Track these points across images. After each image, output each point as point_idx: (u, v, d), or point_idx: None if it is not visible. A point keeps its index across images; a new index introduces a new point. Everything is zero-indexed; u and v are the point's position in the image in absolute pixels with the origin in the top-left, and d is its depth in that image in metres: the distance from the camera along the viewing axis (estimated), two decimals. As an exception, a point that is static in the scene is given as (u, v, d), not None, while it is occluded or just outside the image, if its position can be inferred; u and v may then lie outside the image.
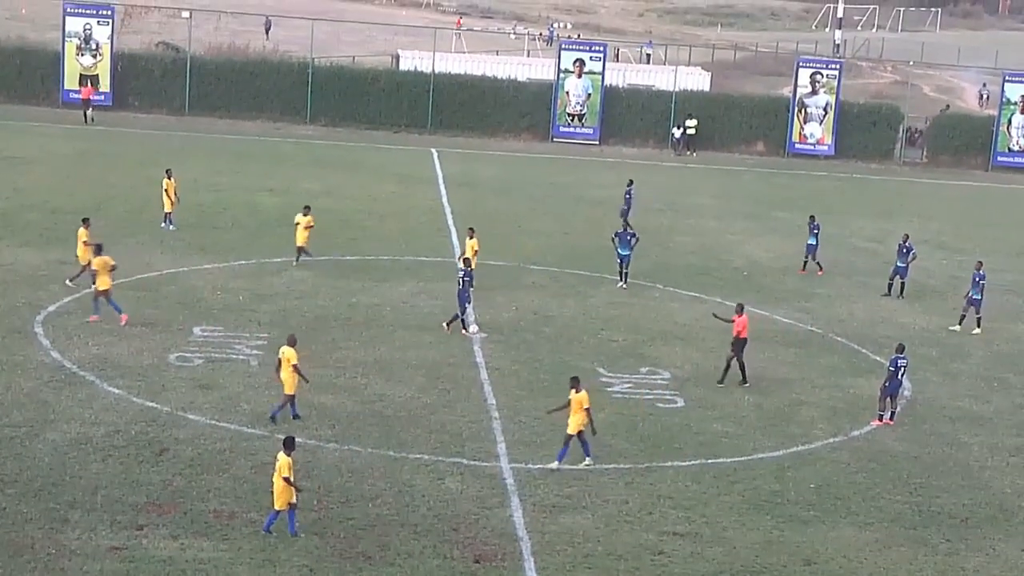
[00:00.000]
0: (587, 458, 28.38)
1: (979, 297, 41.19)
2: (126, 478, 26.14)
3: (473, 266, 37.92)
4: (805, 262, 47.26)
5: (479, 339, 36.63)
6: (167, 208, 46.08)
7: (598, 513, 26.38)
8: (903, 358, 32.56)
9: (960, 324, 41.39)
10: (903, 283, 44.78)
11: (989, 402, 35.22)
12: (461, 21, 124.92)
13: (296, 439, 24.90)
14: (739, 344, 34.24)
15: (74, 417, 29.02)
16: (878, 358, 37.43)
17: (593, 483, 27.80)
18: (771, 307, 42.37)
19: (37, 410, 29.24)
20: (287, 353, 29.54)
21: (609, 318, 39.56)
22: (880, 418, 32.54)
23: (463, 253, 39.95)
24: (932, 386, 36.05)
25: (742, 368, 34.31)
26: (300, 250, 42.46)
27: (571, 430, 28.16)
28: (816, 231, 47.11)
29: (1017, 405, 35.20)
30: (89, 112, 67.64)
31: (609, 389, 33.63)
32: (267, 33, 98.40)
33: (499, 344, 36.33)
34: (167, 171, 46.64)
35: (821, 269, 47.10)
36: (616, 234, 43.23)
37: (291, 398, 29.63)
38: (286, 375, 29.49)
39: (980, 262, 42.22)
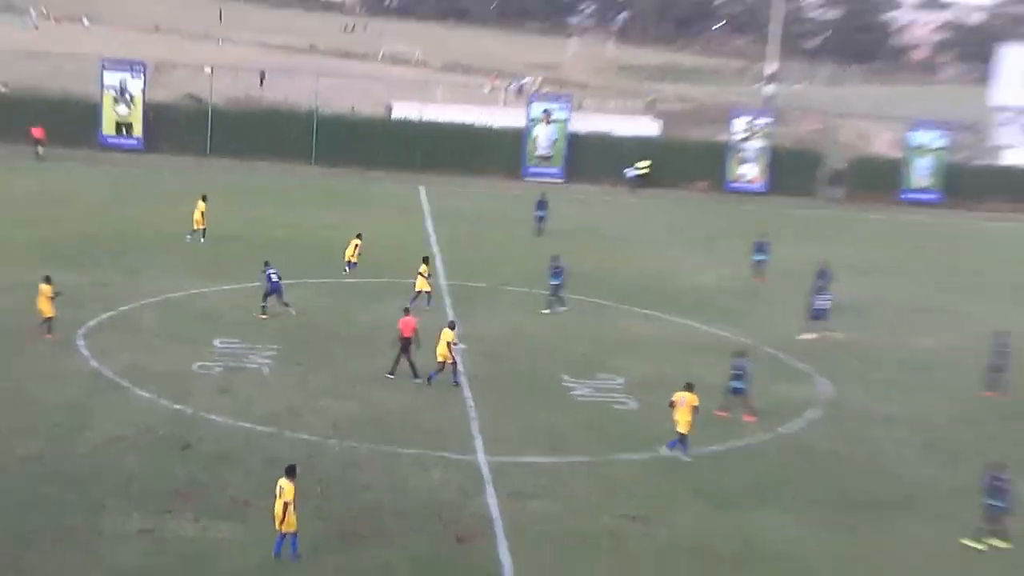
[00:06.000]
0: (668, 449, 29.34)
1: (823, 308, 42.05)
2: (155, 470, 26.15)
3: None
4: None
5: (460, 350, 36.71)
6: (198, 226, 47.83)
7: (563, 499, 26.45)
8: (744, 361, 32.54)
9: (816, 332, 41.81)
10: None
11: (899, 404, 35.44)
12: (496, 75, 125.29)
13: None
14: (405, 342, 33.49)
15: (110, 418, 29.03)
16: (802, 366, 37.68)
17: (558, 474, 27.88)
18: (712, 323, 42.55)
19: (79, 412, 29.25)
20: (446, 334, 32.99)
21: (573, 333, 39.67)
22: (725, 410, 32.22)
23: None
24: (850, 391, 36.24)
25: (412, 365, 33.45)
26: (348, 263, 45.61)
27: (682, 428, 29.09)
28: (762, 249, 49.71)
29: (922, 406, 35.42)
30: (40, 150, 65.86)
31: (573, 393, 33.74)
32: (261, 83, 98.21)
33: (478, 355, 36.41)
34: (203, 196, 48.66)
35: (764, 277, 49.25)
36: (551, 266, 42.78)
37: (443, 366, 32.90)
38: (443, 349, 32.74)
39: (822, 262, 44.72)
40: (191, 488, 25.42)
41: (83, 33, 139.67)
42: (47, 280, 34.90)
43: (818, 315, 41.98)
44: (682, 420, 29.14)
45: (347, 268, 45.60)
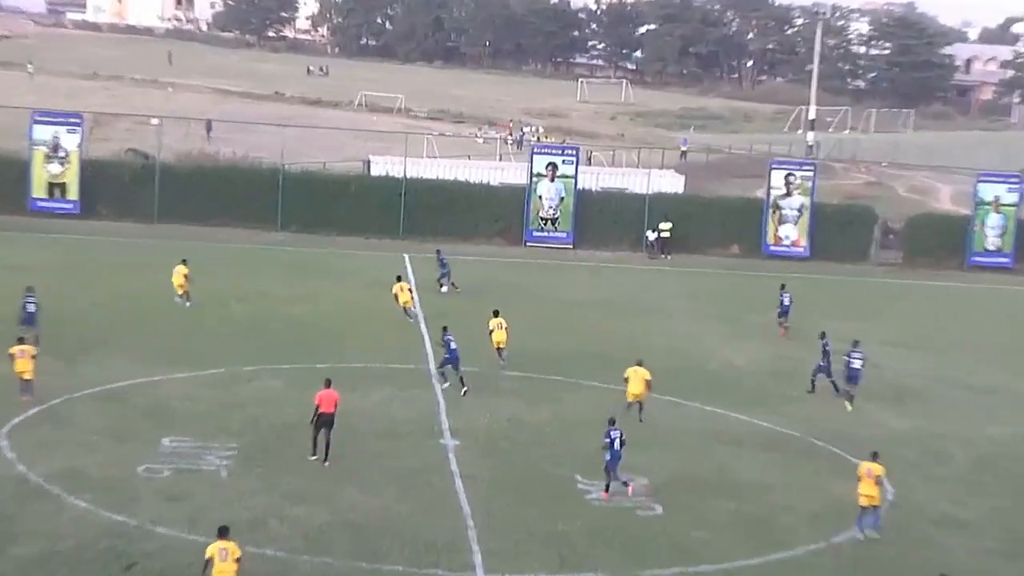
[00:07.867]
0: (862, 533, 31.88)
1: (824, 364, 44.56)
2: (93, 594, 25.86)
3: None
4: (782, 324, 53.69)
5: (453, 446, 36.51)
6: (181, 290, 51.21)
7: (576, 625, 26.18)
8: (615, 430, 33.37)
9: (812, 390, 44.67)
10: (832, 381, 44.44)
11: (970, 506, 35.17)
12: (511, 124, 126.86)
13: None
14: (327, 418, 34.09)
15: (40, 532, 28.74)
16: (858, 460, 37.35)
17: (571, 593, 27.62)
18: (748, 411, 42.31)
19: (1, 525, 28.96)
20: (641, 371, 39.79)
21: (583, 423, 39.26)
22: (607, 489, 33.18)
23: None
24: (914, 490, 36.00)
25: (315, 440, 34.16)
26: (405, 309, 51.31)
27: (863, 502, 31.89)
28: (786, 300, 53.93)
29: (998, 508, 35.15)
30: None
31: (588, 496, 33.48)
32: (208, 134, 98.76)
33: (473, 451, 36.18)
34: (183, 260, 51.81)
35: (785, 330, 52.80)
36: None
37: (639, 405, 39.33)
38: (639, 388, 39.73)
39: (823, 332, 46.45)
40: (135, 615, 25.13)
41: (16, 82, 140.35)
42: (20, 340, 38.52)
43: (852, 376, 43.86)
44: (869, 493, 31.72)
45: (409, 317, 51.26)
